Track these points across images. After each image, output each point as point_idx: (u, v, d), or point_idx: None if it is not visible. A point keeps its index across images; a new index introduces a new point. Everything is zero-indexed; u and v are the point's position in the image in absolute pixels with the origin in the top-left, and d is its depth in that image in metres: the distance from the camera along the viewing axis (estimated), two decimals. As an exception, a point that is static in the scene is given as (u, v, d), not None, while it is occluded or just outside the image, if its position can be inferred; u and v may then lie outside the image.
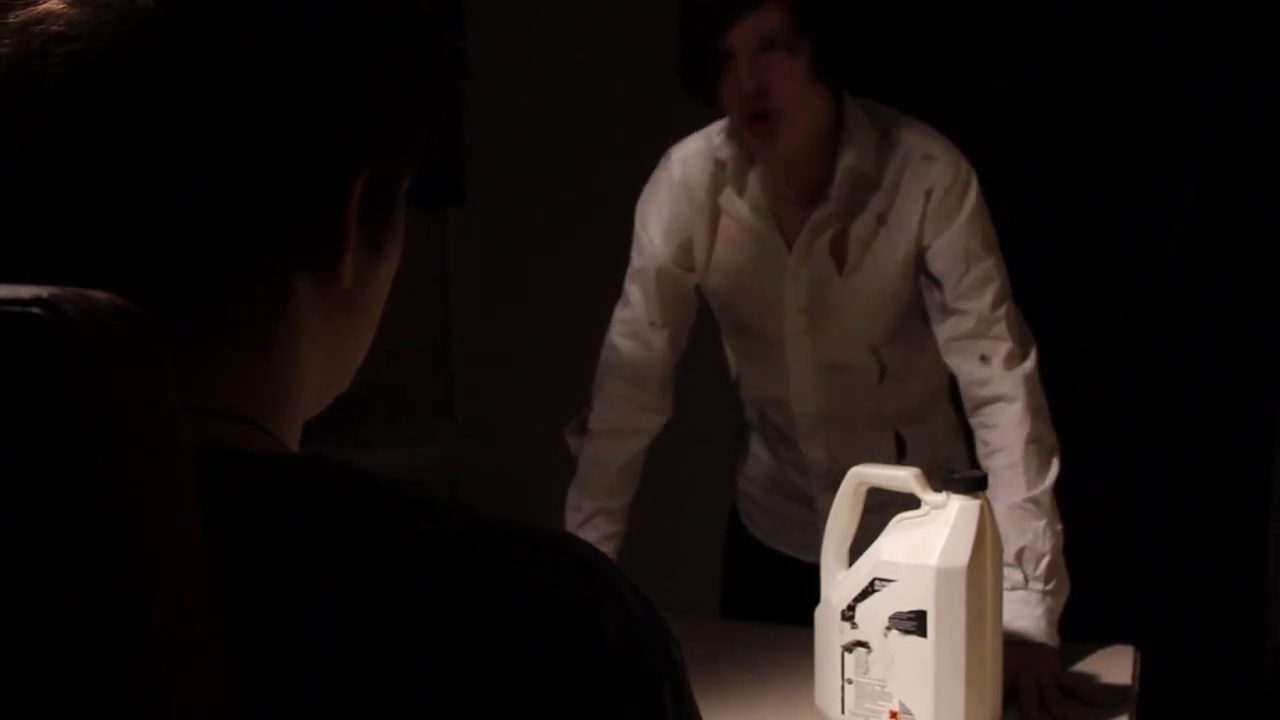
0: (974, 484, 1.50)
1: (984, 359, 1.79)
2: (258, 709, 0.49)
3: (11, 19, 0.54)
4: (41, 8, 0.54)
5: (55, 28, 0.54)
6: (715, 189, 1.89)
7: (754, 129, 1.74)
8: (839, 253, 1.85)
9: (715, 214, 1.90)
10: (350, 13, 0.59)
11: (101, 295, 0.44)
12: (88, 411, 0.42)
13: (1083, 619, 1.78)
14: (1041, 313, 1.92)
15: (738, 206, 1.87)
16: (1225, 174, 2.72)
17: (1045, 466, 1.75)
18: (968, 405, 1.84)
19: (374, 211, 0.62)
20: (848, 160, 1.79)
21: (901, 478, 1.53)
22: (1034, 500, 1.73)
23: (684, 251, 1.92)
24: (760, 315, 1.93)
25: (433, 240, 3.36)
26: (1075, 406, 1.91)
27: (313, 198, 0.58)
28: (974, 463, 1.84)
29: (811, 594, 1.63)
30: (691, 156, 1.90)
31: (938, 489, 1.50)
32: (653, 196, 1.93)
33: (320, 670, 0.50)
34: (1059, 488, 1.75)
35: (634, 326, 1.95)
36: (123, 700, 0.43)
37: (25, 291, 0.42)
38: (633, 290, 1.95)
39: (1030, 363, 1.79)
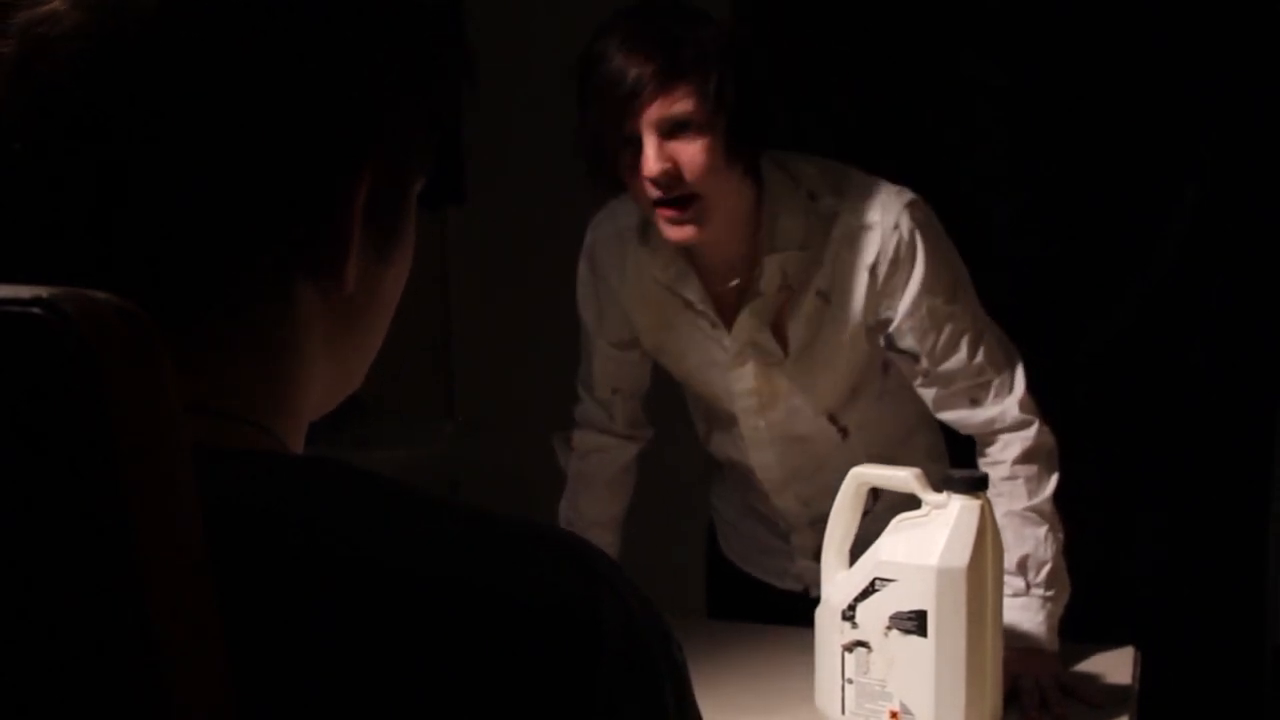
0: (974, 484, 1.50)
1: (974, 402, 1.75)
2: (258, 709, 0.49)
3: (15, 19, 0.54)
4: (45, 9, 0.54)
5: (58, 29, 0.54)
6: (639, 274, 1.80)
7: (667, 217, 1.61)
8: (781, 333, 1.77)
9: (646, 296, 1.81)
10: (350, 13, 0.58)
11: (101, 295, 0.44)
12: (88, 411, 0.42)
13: (1083, 619, 1.78)
14: (1041, 313, 1.92)
15: (668, 294, 1.79)
16: (1225, 174, 2.72)
17: (1045, 476, 1.74)
18: (965, 433, 1.81)
19: (379, 215, 0.61)
20: (775, 252, 1.70)
21: (902, 478, 1.53)
22: (1035, 509, 1.72)
23: (624, 326, 1.87)
24: (710, 394, 1.87)
25: (433, 240, 3.36)
26: (1075, 406, 1.91)
27: (313, 198, 0.58)
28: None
29: (787, 619, 1.62)
30: (609, 239, 1.83)
31: (938, 489, 1.51)
32: (582, 278, 1.88)
33: (320, 670, 0.50)
34: (1059, 488, 1.75)
35: (592, 390, 1.96)
36: (123, 700, 0.43)
37: (25, 291, 0.42)
38: (585, 356, 1.94)
39: (1020, 384, 1.74)
